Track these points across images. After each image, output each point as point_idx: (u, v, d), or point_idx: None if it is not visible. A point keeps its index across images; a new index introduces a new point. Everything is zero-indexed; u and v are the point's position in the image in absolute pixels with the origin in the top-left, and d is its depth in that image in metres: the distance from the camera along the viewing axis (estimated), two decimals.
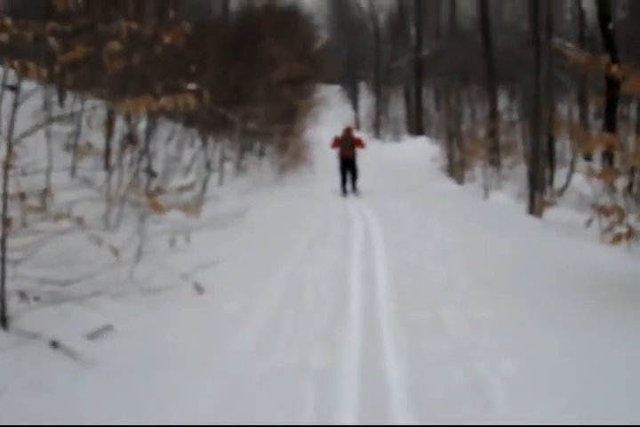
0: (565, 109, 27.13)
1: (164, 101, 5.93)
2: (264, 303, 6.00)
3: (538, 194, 13.58)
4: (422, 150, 28.23)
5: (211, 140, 14.74)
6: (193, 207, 6.29)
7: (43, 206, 6.11)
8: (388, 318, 5.31)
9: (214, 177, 12.71)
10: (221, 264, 7.21)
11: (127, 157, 9.70)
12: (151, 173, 10.18)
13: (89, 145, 8.74)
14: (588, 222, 6.42)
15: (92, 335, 5.16)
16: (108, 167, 8.98)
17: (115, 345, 5.06)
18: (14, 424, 3.59)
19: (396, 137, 35.74)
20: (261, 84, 20.61)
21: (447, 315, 5.39)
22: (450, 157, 20.63)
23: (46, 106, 7.17)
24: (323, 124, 38.09)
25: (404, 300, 5.87)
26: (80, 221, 5.97)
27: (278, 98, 20.75)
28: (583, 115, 30.06)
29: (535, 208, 13.14)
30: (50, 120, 6.32)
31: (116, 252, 5.99)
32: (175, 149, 12.35)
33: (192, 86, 6.37)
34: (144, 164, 9.90)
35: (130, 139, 9.91)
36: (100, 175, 8.31)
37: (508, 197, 15.67)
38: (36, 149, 6.61)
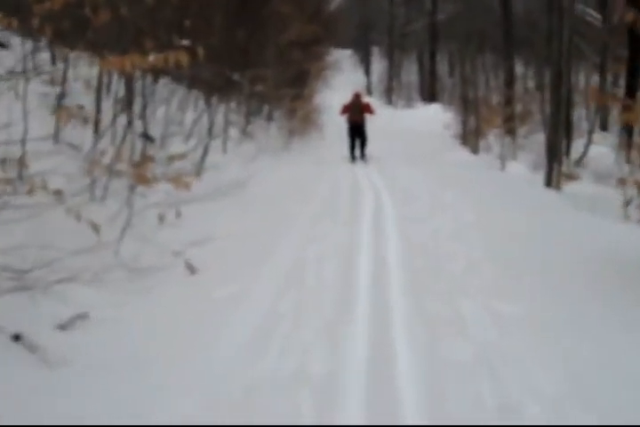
0: (583, 78, 26.19)
1: (154, 59, 5.21)
2: (261, 287, 5.31)
3: (556, 165, 12.79)
4: (435, 117, 27.39)
5: (215, 103, 13.99)
6: (184, 179, 5.55)
7: (17, 177, 5.45)
8: (401, 313, 4.61)
9: (217, 143, 11.96)
10: (217, 240, 6.55)
11: (121, 121, 9.00)
12: (148, 138, 9.45)
13: (79, 107, 7.98)
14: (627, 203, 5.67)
15: (64, 327, 4.50)
16: (98, 132, 8.24)
17: (89, 338, 4.41)
18: (14, 424, 3.31)
19: (409, 103, 34.77)
20: (271, 45, 19.77)
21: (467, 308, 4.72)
22: (464, 124, 19.78)
23: (25, 62, 6.43)
24: (334, 89, 37.08)
25: (419, 288, 5.18)
26: (58, 193, 5.30)
27: (288, 60, 19.90)
28: (602, 84, 29.10)
29: (553, 180, 12.40)
30: (18, 75, 5.55)
31: (96, 228, 5.31)
32: (176, 112, 11.57)
33: (185, 43, 5.63)
34: (140, 128, 9.18)
35: (125, 100, 9.16)
36: (90, 141, 7.57)
37: (525, 168, 14.92)
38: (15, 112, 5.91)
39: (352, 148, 15.47)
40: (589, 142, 18.84)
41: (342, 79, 45.48)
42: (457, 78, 43.33)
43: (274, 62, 19.14)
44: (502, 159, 14.27)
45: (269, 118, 18.02)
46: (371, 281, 5.35)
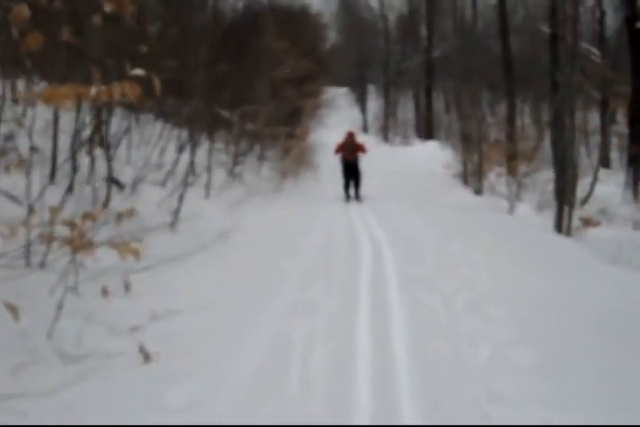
0: (581, 113, 25.20)
1: (97, 91, 3.99)
2: (229, 392, 3.97)
3: (567, 208, 11.53)
4: (433, 155, 26.31)
5: (200, 142, 12.86)
6: (132, 245, 4.25)
7: None
8: None
9: (200, 187, 10.73)
10: (182, 314, 5.24)
11: (86, 163, 7.76)
12: (115, 184, 8.19)
13: (32, 149, 6.79)
14: None
15: None
16: (53, 178, 6.98)
17: None
18: (14, 424, 3.30)
19: (405, 141, 33.69)
20: (263, 81, 18.65)
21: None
22: (465, 163, 18.59)
23: None
24: (329, 128, 36.05)
25: (433, 391, 3.85)
26: None
27: (281, 97, 18.77)
28: (603, 120, 28.11)
29: (563, 225, 11.18)
30: None
31: (15, 312, 4.00)
32: (155, 153, 10.36)
33: (138, 72, 4.38)
34: (110, 171, 7.92)
35: (92, 139, 7.92)
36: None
37: (532, 210, 13.71)
38: None
39: (346, 187, 15.12)
40: (595, 181, 17.67)
41: (338, 117, 44.56)
42: (453, 115, 42.62)
43: (266, 99, 18.02)
44: (511, 202, 12.99)
45: (261, 158, 16.82)
46: (371, 390, 3.94)
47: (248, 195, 12.40)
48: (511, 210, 12.81)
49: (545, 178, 14.93)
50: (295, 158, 17.26)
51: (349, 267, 7.27)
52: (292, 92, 18.75)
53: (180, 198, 8.35)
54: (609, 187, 19.48)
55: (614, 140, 28.58)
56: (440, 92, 39.69)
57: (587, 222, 10.45)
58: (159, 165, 10.24)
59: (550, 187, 16.05)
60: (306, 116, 19.49)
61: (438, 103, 38.51)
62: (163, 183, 9.34)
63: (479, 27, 42.30)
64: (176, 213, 8.18)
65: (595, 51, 26.07)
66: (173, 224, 7.99)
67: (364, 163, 19.18)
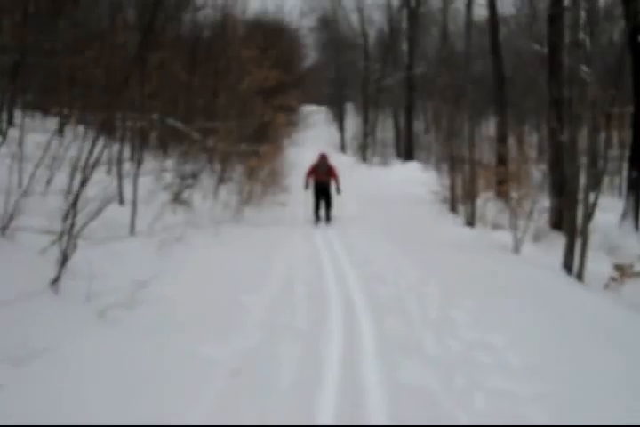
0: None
1: None
2: None
3: (581, 247, 8.98)
4: (414, 177, 23.78)
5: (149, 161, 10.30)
6: None
7: None
8: None
9: (125, 217, 8.01)
10: None
11: None
12: None
13: None
14: None
15: None
16: None
17: None
18: (14, 424, 3.16)
19: (385, 161, 31.09)
20: (229, 93, 16.05)
21: None
22: (452, 188, 16.01)
23: None
24: (305, 146, 33.63)
25: None
26: None
27: (249, 111, 16.16)
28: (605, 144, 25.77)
29: (574, 265, 8.69)
30: None
31: None
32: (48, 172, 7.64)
33: None
34: None
35: None
36: None
37: (533, 245, 11.19)
38: None
39: (317, 208, 13.78)
40: (592, 211, 15.21)
41: (315, 136, 42.08)
42: (433, 136, 40.20)
43: (231, 113, 15.42)
44: (517, 240, 10.27)
45: (221, 180, 14.13)
46: None
47: (195, 227, 9.70)
48: (517, 248, 10.16)
49: (538, 205, 12.58)
50: (261, 180, 14.57)
51: (311, 342, 4.58)
52: (260, 106, 16.14)
53: (69, 242, 5.57)
54: (606, 215, 16.95)
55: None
56: (420, 112, 37.33)
57: (623, 272, 7.82)
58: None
59: (545, 214, 13.70)
60: (276, 132, 16.80)
61: (418, 123, 36.13)
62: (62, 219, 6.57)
63: (459, 45, 40.34)
64: (62, 264, 5.43)
65: (584, 68, 23.74)
66: (54, 283, 5.26)
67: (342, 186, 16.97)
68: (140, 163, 8.51)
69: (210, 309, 5.82)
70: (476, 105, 31.57)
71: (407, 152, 30.40)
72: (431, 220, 13.99)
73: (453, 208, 15.84)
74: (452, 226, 12.92)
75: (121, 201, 8.64)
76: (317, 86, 49.19)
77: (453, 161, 16.15)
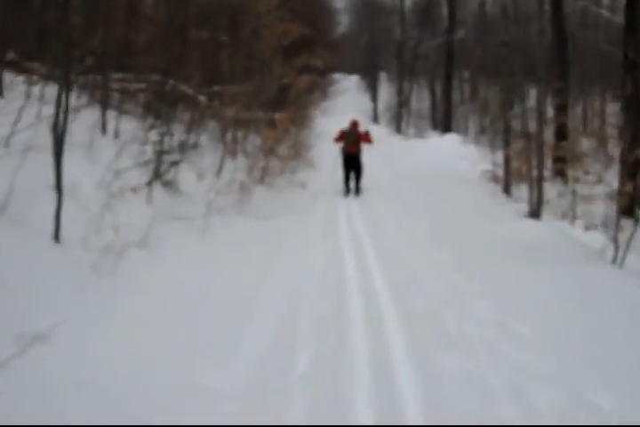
0: None
1: None
2: None
3: None
4: (454, 151, 20.62)
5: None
6: None
7: None
8: None
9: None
10: None
11: None
12: None
13: None
14: None
15: None
16: None
17: None
18: (14, 424, 2.84)
19: (421, 133, 27.88)
20: (243, 53, 13.06)
21: None
22: (507, 166, 12.92)
23: None
24: (335, 116, 30.54)
25: None
26: None
27: (265, 73, 13.17)
28: None
29: None
30: None
31: None
32: None
33: None
34: None
35: None
36: None
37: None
38: None
39: (346, 179, 12.38)
40: None
41: (347, 105, 38.87)
42: (469, 107, 36.78)
43: (244, 75, 12.46)
44: (618, 245, 7.03)
45: (229, 154, 11.21)
46: None
47: (177, 219, 6.86)
48: (618, 259, 7.04)
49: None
50: (279, 155, 11.60)
51: None
52: (280, 67, 13.10)
53: None
54: None
55: None
56: (456, 83, 33.88)
57: None
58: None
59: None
60: (299, 98, 13.75)
61: (454, 94, 32.75)
62: None
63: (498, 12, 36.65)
64: None
65: None
66: None
67: (373, 159, 14.97)
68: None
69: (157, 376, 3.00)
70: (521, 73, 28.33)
71: (445, 124, 27.12)
72: (482, 205, 10.96)
73: (507, 190, 12.78)
74: (512, 216, 9.81)
75: (59, 188, 5.78)
76: (350, 55, 45.79)
77: (509, 134, 13.01)
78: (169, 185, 7.92)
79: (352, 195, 12.01)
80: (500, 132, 14.67)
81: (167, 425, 2.98)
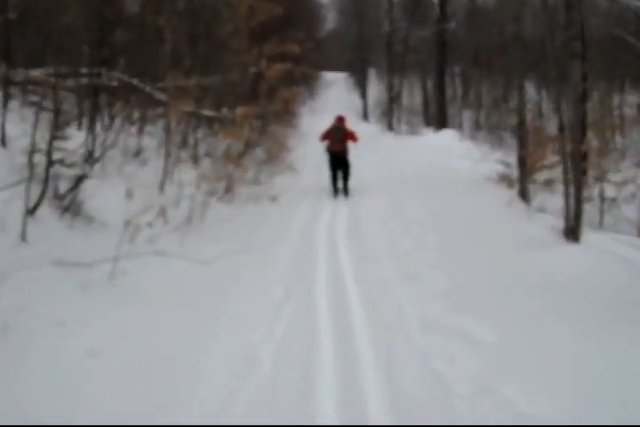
0: None
1: None
2: None
3: None
4: (452, 148, 18.09)
5: None
6: None
7: None
8: None
9: None
10: None
11: None
12: None
13: None
14: None
15: None
16: None
17: None
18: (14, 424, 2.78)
19: (414, 129, 25.26)
20: (206, 37, 10.50)
21: None
22: (523, 167, 10.33)
23: None
24: (324, 114, 27.96)
25: None
26: None
27: (234, 62, 10.59)
28: None
29: None
30: None
31: None
32: None
33: None
34: None
35: None
36: None
37: None
38: None
39: (334, 180, 11.13)
40: None
41: (335, 103, 36.23)
42: (461, 102, 34.14)
43: (203, 64, 9.89)
44: None
45: (194, 159, 8.61)
46: None
47: (59, 266, 4.29)
48: None
49: None
50: (237, 160, 8.93)
51: None
52: (248, 55, 10.47)
53: None
54: None
55: None
56: (447, 78, 31.23)
57: None
58: None
59: None
60: (270, 92, 11.10)
61: (446, 90, 30.12)
62: None
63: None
64: None
65: None
66: None
67: (363, 159, 13.57)
68: None
69: None
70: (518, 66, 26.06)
71: (439, 119, 24.46)
72: (500, 218, 8.37)
73: (524, 195, 10.19)
74: (545, 237, 7.13)
75: None
76: (338, 52, 43.17)
77: (524, 131, 10.37)
78: (71, 211, 5.33)
79: (340, 197, 10.51)
80: (496, 127, 12.21)
81: (167, 425, 2.85)
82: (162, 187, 7.48)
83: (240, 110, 8.05)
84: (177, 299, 4.61)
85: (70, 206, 5.30)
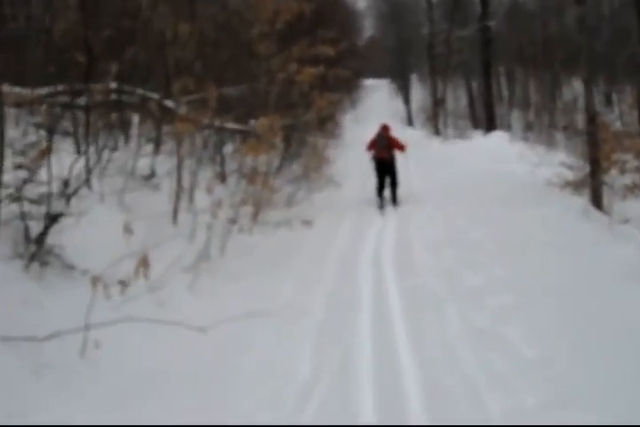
0: None
1: None
2: None
3: None
4: (504, 150, 16.58)
5: None
6: None
7: None
8: None
9: None
10: None
11: None
12: None
13: None
14: None
15: None
16: None
17: None
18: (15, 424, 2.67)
19: (462, 133, 23.64)
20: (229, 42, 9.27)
21: None
22: (596, 171, 8.74)
23: None
24: (367, 122, 26.60)
25: None
26: None
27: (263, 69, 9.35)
28: None
29: None
30: None
31: None
32: None
33: None
34: None
35: None
36: None
37: None
38: None
39: (380, 188, 10.17)
40: None
41: (379, 110, 34.83)
42: (508, 102, 32.27)
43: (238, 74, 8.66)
44: None
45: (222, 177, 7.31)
46: None
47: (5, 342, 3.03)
48: None
49: None
50: (264, 182, 7.50)
51: None
52: (278, 59, 9.19)
53: None
54: None
55: None
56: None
57: None
58: None
59: None
60: (302, 98, 9.77)
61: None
62: None
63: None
64: None
65: None
66: None
67: (410, 169, 12.25)
68: None
69: None
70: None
71: (488, 121, 22.78)
72: (576, 236, 6.80)
73: (598, 204, 8.61)
74: None
75: None
76: (379, 58, 41.77)
77: (596, 128, 8.78)
78: (40, 259, 4.08)
79: (388, 212, 9.39)
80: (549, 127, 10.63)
81: (174, 425, 2.75)
82: (175, 216, 6.22)
83: (262, 121, 6.71)
84: (168, 389, 3.29)
85: (38, 253, 4.05)
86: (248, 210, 6.73)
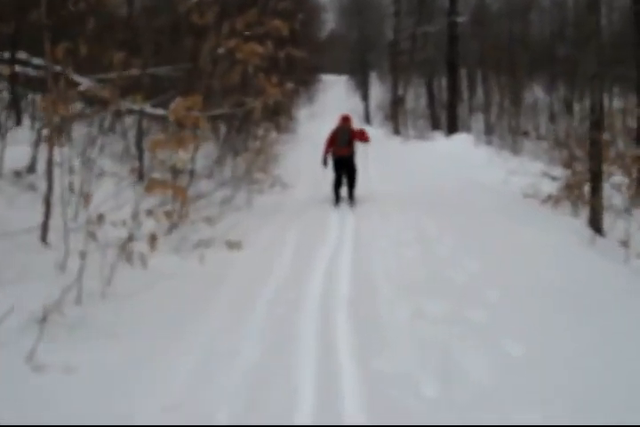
0: None
1: None
2: None
3: None
4: (470, 154, 15.05)
5: None
6: None
7: None
8: None
9: None
10: None
11: None
12: None
13: None
14: None
15: None
16: None
17: None
18: (15, 424, 2.53)
19: (422, 134, 21.85)
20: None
21: None
22: (596, 188, 6.96)
23: None
24: (323, 118, 24.70)
25: None
26: None
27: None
28: None
29: None
30: None
31: None
32: None
33: None
34: None
35: None
36: None
37: None
38: None
39: (337, 186, 8.97)
40: None
41: (335, 106, 32.87)
42: (469, 104, 30.59)
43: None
44: None
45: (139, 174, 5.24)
46: None
47: None
48: None
49: None
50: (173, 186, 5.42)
51: None
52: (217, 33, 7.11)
53: None
54: None
55: None
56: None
57: None
58: None
59: None
60: (243, 82, 7.71)
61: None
62: None
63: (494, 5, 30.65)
64: None
65: None
66: None
67: (368, 170, 10.57)
68: None
69: None
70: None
71: (450, 122, 21.03)
72: (594, 280, 5.01)
73: (597, 226, 6.83)
74: None
75: None
76: (338, 54, 39.85)
77: (600, 136, 6.96)
78: None
79: (344, 210, 8.30)
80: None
81: (171, 425, 2.49)
82: (45, 233, 4.16)
83: (178, 104, 4.66)
84: None
85: None
86: (152, 226, 4.69)
